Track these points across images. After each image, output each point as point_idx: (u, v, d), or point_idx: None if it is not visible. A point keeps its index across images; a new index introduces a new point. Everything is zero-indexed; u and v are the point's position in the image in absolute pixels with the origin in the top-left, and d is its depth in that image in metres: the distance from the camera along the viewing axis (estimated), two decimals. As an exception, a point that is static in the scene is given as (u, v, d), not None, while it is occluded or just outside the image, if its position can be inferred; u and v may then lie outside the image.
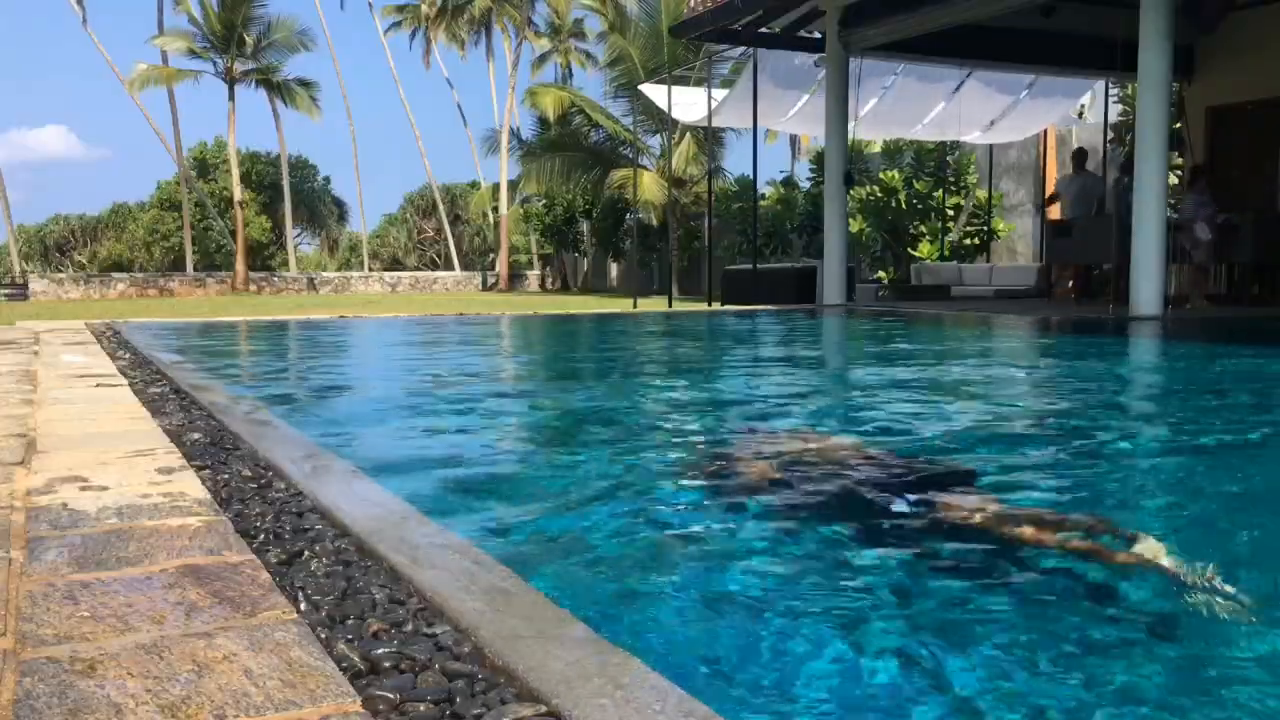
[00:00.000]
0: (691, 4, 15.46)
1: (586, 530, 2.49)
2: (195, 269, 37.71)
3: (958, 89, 15.99)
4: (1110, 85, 16.23)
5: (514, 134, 32.31)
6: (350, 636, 1.51)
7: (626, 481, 3.09)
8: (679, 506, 2.80)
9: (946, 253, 18.58)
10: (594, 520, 2.58)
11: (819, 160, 19.81)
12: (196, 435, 3.27)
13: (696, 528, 2.56)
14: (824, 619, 1.88)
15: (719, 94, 16.60)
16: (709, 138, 20.85)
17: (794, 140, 34.70)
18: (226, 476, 2.63)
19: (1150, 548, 2.11)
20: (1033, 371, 6.88)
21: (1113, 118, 16.39)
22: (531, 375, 7.18)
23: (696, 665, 1.68)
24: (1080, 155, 13.45)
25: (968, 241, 18.82)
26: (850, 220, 16.72)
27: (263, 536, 2.06)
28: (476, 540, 2.13)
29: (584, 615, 1.54)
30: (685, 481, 3.10)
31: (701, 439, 3.95)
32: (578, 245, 31.92)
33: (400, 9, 41.60)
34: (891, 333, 9.82)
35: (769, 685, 1.63)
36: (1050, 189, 17.79)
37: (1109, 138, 16.13)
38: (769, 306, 13.44)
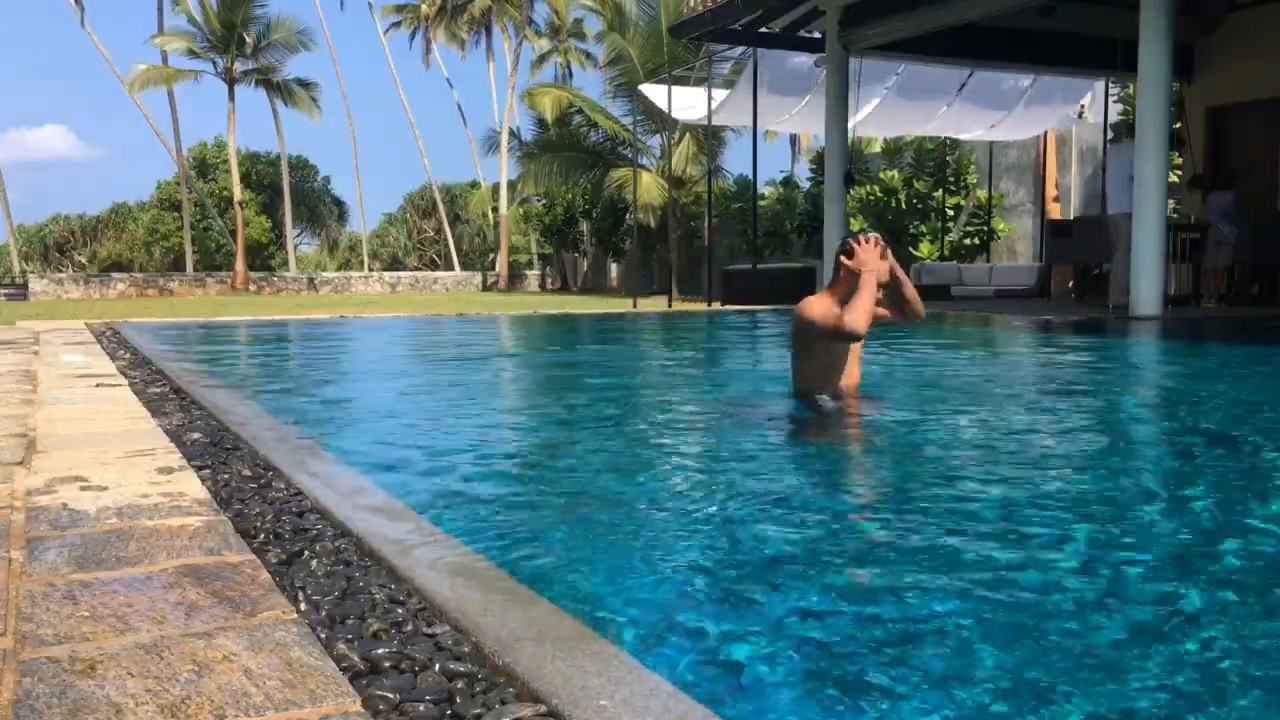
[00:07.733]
0: (691, 4, 15.46)
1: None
2: (195, 269, 37.67)
3: (959, 90, 15.98)
4: (1110, 85, 16.23)
5: (514, 134, 32.28)
6: (350, 636, 1.51)
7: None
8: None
9: (946, 253, 18.58)
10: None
11: (819, 160, 19.80)
12: (196, 435, 3.27)
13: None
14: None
15: (719, 94, 16.58)
16: (709, 137, 20.83)
17: (794, 140, 34.74)
18: (226, 476, 2.63)
19: None
20: (1018, 372, 6.87)
21: (1113, 118, 16.38)
22: (532, 372, 7.18)
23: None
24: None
25: (968, 241, 18.81)
26: (850, 220, 16.71)
27: (263, 536, 2.06)
28: (476, 540, 2.13)
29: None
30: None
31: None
32: (578, 245, 31.91)
33: (400, 9, 41.59)
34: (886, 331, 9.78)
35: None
36: (1051, 189, 17.81)
37: (1109, 138, 16.12)
38: (769, 307, 13.42)
